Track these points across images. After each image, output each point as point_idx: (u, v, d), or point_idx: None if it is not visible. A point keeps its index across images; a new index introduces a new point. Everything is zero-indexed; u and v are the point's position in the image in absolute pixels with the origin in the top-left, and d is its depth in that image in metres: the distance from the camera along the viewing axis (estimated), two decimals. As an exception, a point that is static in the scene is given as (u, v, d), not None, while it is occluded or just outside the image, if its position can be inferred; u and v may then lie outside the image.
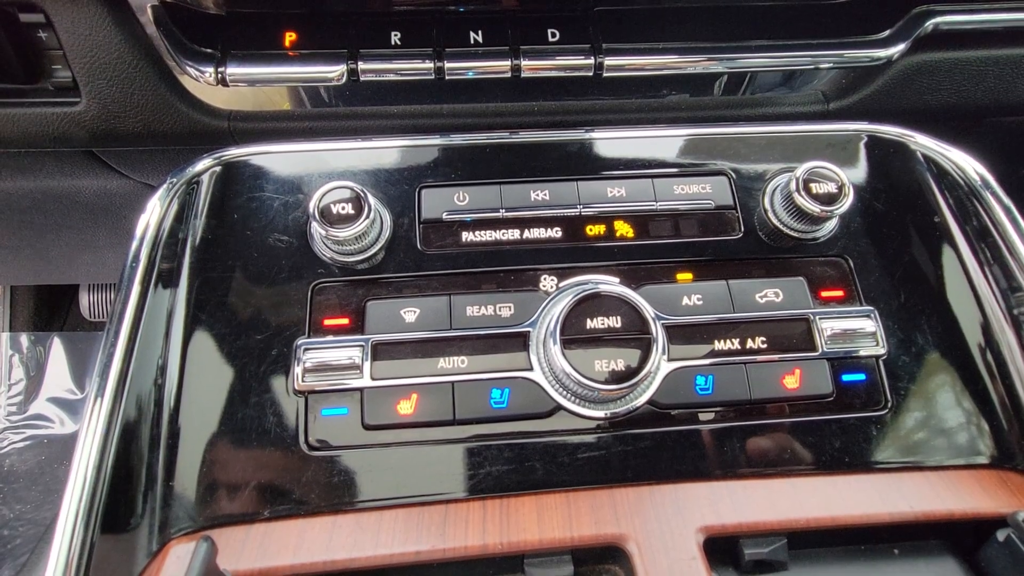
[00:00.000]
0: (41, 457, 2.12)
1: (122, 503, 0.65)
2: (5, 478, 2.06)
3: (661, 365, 0.71)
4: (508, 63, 0.86)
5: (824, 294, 0.77)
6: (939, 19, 0.91)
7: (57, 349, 2.27)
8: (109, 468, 0.65)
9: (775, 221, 0.79)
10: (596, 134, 0.86)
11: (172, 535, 0.64)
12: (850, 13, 0.93)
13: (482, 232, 0.79)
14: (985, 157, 0.89)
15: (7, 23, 0.79)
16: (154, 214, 0.77)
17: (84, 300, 2.26)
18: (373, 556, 0.63)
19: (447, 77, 0.85)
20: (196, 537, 0.61)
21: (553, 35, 0.88)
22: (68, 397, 2.23)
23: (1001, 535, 0.64)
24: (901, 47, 0.91)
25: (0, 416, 2.16)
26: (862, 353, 0.74)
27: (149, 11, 0.81)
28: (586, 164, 0.84)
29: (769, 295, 0.76)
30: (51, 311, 2.33)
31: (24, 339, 2.26)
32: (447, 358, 0.72)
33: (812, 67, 0.94)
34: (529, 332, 0.73)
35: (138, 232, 0.76)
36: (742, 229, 0.81)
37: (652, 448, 0.69)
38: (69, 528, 0.62)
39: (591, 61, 0.87)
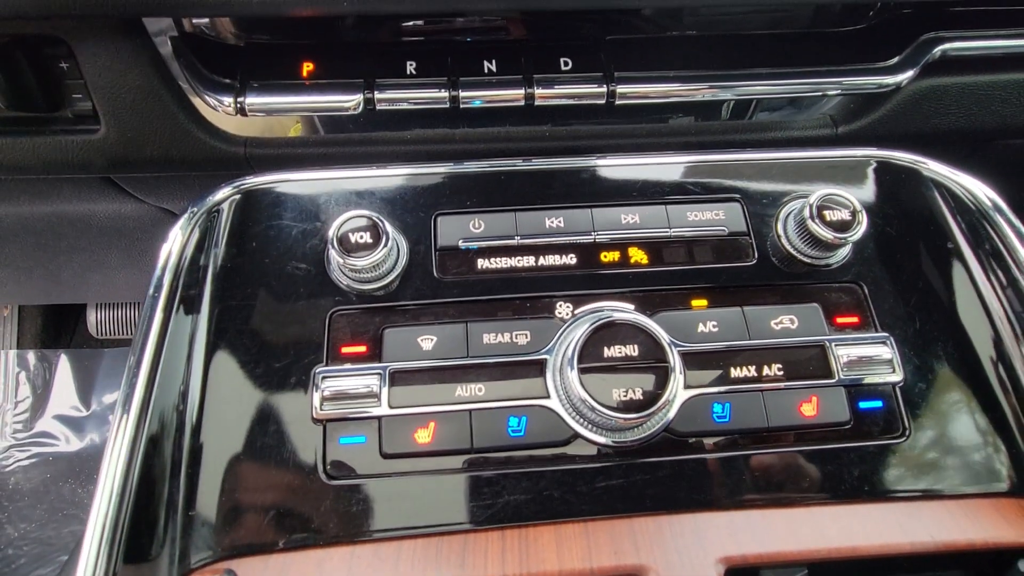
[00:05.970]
0: (46, 475, 2.11)
1: (144, 532, 0.65)
2: (10, 496, 2.05)
3: (678, 393, 0.71)
4: (522, 91, 0.87)
5: (839, 320, 0.77)
6: (947, 45, 0.92)
7: (64, 366, 2.27)
8: (131, 496, 0.65)
9: (789, 247, 0.80)
10: (609, 161, 0.87)
11: (193, 566, 0.64)
12: (858, 40, 0.94)
13: (497, 259, 0.79)
14: (996, 178, 0.90)
15: (30, 54, 0.80)
16: (176, 242, 0.78)
17: (92, 317, 2.27)
18: (393, 587, 0.63)
19: (461, 106, 0.86)
20: (217, 569, 0.61)
21: (566, 64, 0.89)
22: (74, 414, 2.22)
23: (1022, 565, 0.64)
24: (909, 74, 0.92)
25: (6, 434, 2.16)
26: (879, 380, 0.74)
27: (169, 42, 0.82)
28: (600, 191, 0.85)
29: (784, 322, 0.77)
30: (58, 328, 2.33)
31: (31, 356, 2.26)
32: (464, 386, 0.72)
33: (819, 94, 0.95)
34: (546, 360, 0.73)
35: (160, 260, 0.76)
36: (756, 255, 0.81)
37: (670, 477, 0.69)
38: (92, 558, 0.62)
39: (603, 89, 0.88)
